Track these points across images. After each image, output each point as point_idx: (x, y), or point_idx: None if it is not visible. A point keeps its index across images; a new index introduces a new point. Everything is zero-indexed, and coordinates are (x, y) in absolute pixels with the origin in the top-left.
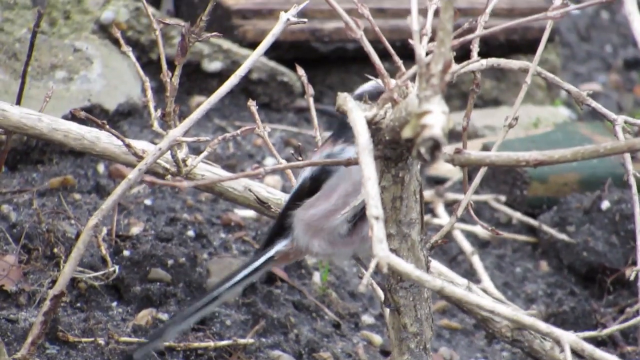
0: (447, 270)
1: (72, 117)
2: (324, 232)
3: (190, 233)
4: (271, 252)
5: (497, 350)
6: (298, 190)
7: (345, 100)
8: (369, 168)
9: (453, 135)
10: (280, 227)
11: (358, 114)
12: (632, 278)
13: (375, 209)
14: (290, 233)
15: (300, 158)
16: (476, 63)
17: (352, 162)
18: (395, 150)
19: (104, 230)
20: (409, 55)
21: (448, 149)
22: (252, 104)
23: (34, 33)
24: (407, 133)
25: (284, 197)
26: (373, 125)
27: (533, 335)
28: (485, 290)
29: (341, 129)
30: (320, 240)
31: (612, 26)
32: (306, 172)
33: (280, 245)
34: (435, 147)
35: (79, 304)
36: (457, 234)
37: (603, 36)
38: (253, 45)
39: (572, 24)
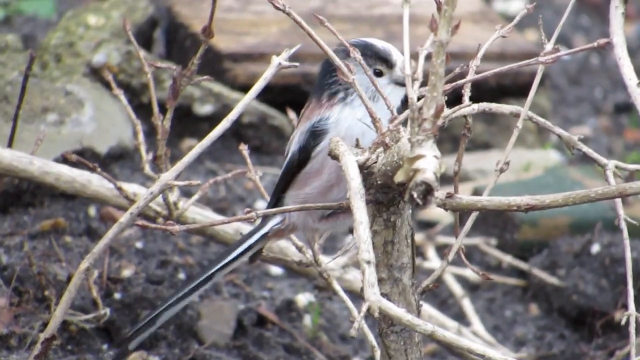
0: (438, 313)
1: (64, 160)
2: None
3: (182, 276)
4: (265, 229)
5: None
6: (288, 166)
7: (337, 145)
8: (360, 212)
9: (444, 179)
10: (274, 206)
11: (350, 158)
12: (623, 322)
13: (366, 254)
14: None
15: None
16: (468, 107)
17: (344, 207)
18: (387, 195)
19: (95, 273)
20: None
21: (440, 193)
22: (244, 148)
23: (26, 76)
24: (399, 177)
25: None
26: (365, 169)
27: None
28: (475, 333)
29: (322, 82)
30: (317, 215)
31: (602, 70)
32: (294, 147)
33: (273, 222)
34: (427, 191)
35: (70, 347)
36: (447, 277)
37: (593, 80)
38: (244, 89)
39: (563, 68)
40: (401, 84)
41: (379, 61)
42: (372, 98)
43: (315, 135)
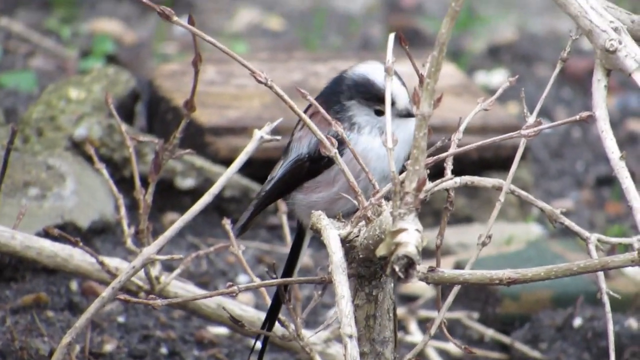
0: None
1: (46, 234)
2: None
3: (164, 350)
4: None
5: None
6: (294, 169)
7: (319, 218)
8: (342, 286)
9: (426, 253)
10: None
11: (332, 232)
12: None
13: (348, 328)
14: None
15: (274, 276)
16: (450, 181)
17: (326, 281)
18: (369, 268)
19: (77, 347)
20: None
21: (422, 266)
22: (227, 222)
23: (8, 150)
24: (381, 251)
25: (256, 315)
26: (347, 243)
27: None
28: None
29: (330, 98)
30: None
31: (583, 143)
32: (303, 149)
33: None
34: (409, 265)
35: None
36: (430, 351)
37: (575, 153)
38: (226, 162)
39: (544, 141)
40: (406, 115)
41: (379, 101)
42: (380, 134)
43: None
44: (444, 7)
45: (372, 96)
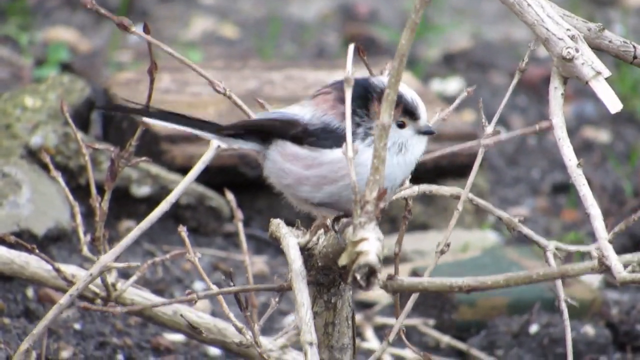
0: None
1: (1, 241)
2: (289, 188)
3: (120, 357)
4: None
5: None
6: (290, 121)
7: (279, 227)
8: (302, 294)
9: (383, 260)
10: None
11: (291, 241)
12: None
13: (308, 335)
14: (264, 157)
15: (231, 283)
16: (409, 190)
17: (285, 288)
18: (328, 276)
19: (34, 354)
20: None
21: (382, 275)
22: (183, 229)
23: None
24: (343, 260)
25: (212, 322)
26: (306, 251)
27: None
28: None
29: (361, 93)
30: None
31: (539, 151)
32: (307, 117)
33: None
34: (371, 273)
35: None
36: (387, 358)
37: (530, 161)
38: (182, 170)
39: (500, 149)
40: (425, 132)
41: (405, 113)
42: (400, 150)
43: (336, 140)
44: (398, 15)
45: (398, 105)
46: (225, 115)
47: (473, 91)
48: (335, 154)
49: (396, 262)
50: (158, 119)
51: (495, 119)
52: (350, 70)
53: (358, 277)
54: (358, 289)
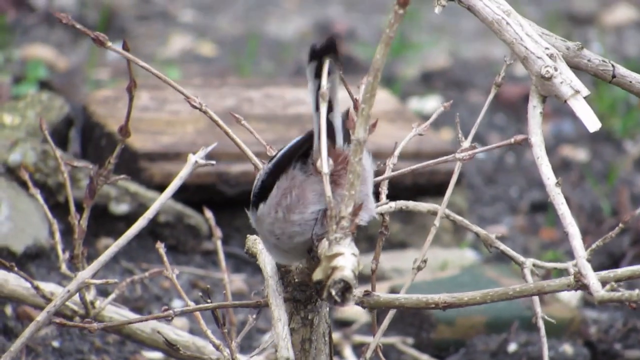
0: None
1: None
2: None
3: None
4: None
5: None
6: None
7: (255, 243)
8: (279, 310)
9: (361, 278)
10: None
11: (267, 257)
12: None
13: (285, 351)
14: None
15: (209, 300)
16: (385, 206)
17: (262, 305)
18: (305, 293)
19: None
20: None
21: (357, 291)
22: (161, 247)
23: None
24: (317, 275)
25: (190, 339)
26: (282, 267)
27: None
28: None
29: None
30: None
31: (517, 169)
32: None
33: None
34: (346, 289)
35: None
36: None
37: (509, 179)
38: (160, 188)
39: (478, 167)
40: None
41: None
42: None
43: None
44: (376, 33)
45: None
46: (204, 134)
47: (451, 109)
48: None
49: (373, 279)
50: None
51: (471, 134)
52: (326, 85)
53: (333, 292)
54: (333, 304)
